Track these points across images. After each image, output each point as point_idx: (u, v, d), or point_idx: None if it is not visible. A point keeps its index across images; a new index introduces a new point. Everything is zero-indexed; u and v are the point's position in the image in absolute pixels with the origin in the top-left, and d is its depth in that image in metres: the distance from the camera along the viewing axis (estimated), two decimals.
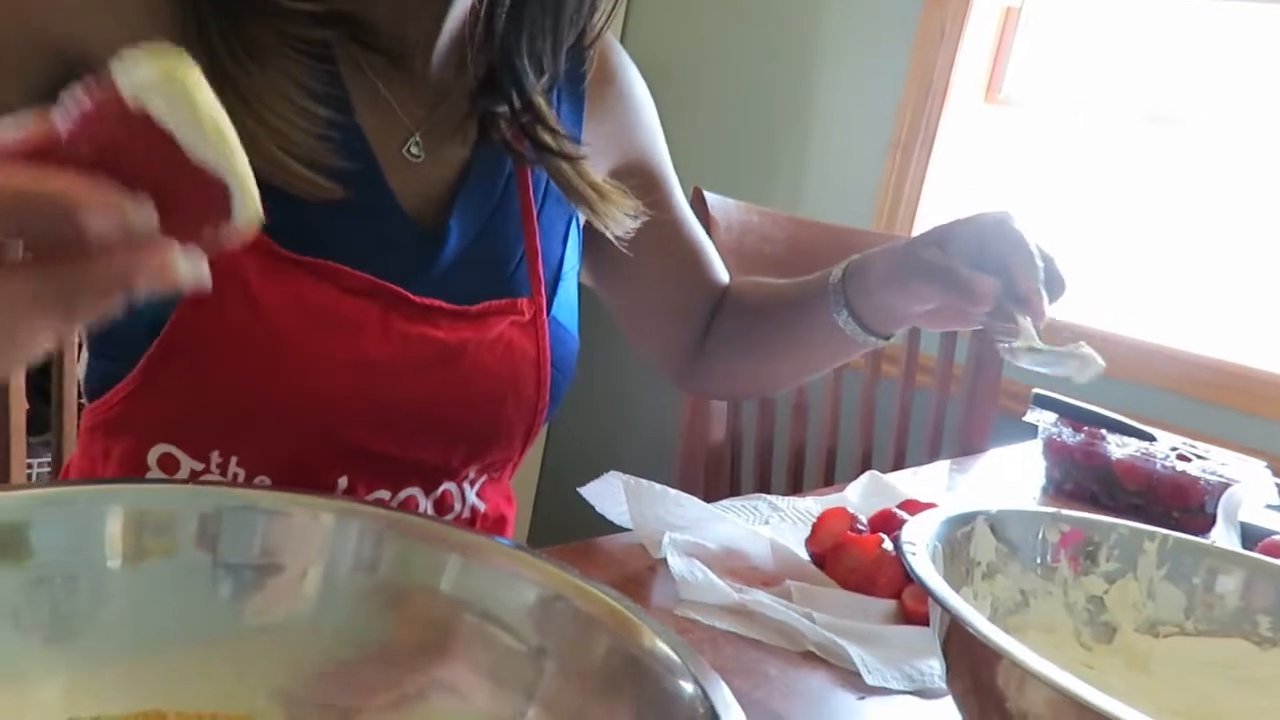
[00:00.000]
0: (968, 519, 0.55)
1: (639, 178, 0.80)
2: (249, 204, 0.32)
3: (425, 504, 0.70)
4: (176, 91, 0.31)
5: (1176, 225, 1.71)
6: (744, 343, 0.86)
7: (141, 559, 0.37)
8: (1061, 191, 1.84)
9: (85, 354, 0.68)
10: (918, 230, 1.87)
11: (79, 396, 0.71)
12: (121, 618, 0.35)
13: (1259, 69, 1.65)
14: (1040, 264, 0.66)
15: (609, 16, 0.72)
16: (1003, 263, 0.65)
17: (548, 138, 0.70)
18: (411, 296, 0.63)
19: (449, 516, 0.71)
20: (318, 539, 0.40)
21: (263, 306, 0.58)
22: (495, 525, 0.76)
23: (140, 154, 0.31)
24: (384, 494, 0.67)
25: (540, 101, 0.70)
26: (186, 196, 0.31)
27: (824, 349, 0.78)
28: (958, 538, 0.54)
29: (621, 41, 2.28)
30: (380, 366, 0.62)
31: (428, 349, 0.64)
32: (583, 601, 0.37)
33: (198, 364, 0.59)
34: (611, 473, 0.74)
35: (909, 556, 0.46)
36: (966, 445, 1.32)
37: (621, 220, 0.74)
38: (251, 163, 0.51)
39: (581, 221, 0.76)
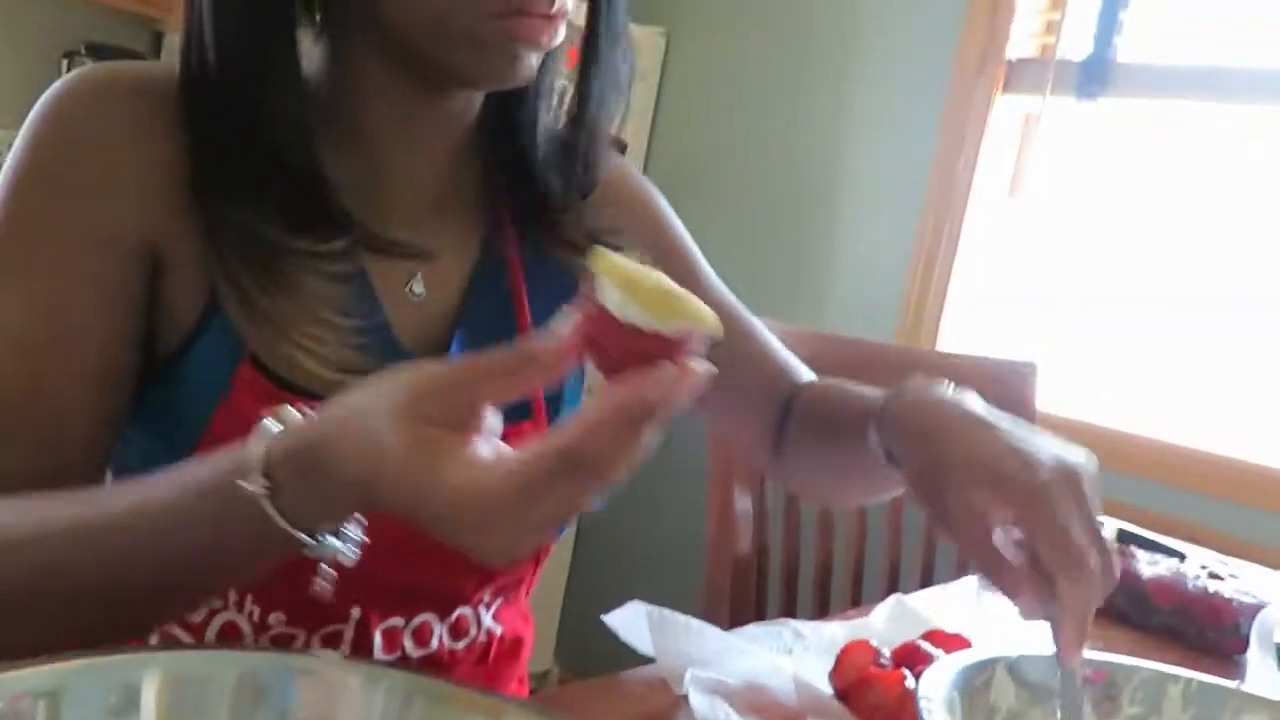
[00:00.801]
0: (986, 666, 0.55)
1: (658, 263, 0.80)
2: (707, 327, 0.42)
3: (440, 629, 0.70)
4: (620, 288, 0.40)
5: (1200, 323, 1.72)
6: (804, 450, 0.80)
7: None
8: (1086, 289, 1.85)
9: None
10: (943, 340, 1.88)
11: None
12: None
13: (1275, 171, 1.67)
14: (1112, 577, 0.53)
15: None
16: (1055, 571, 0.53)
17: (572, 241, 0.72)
18: None
19: (465, 641, 0.72)
20: (346, 703, 0.41)
21: None
22: (512, 647, 0.76)
23: (621, 343, 0.41)
24: (398, 621, 0.68)
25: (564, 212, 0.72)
26: (667, 349, 0.41)
27: (869, 478, 0.71)
28: (976, 685, 0.54)
29: (645, 154, 2.34)
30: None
31: None
32: None
33: None
34: (635, 602, 0.75)
35: (925, 715, 0.47)
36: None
37: None
38: (291, 380, 0.54)
39: None
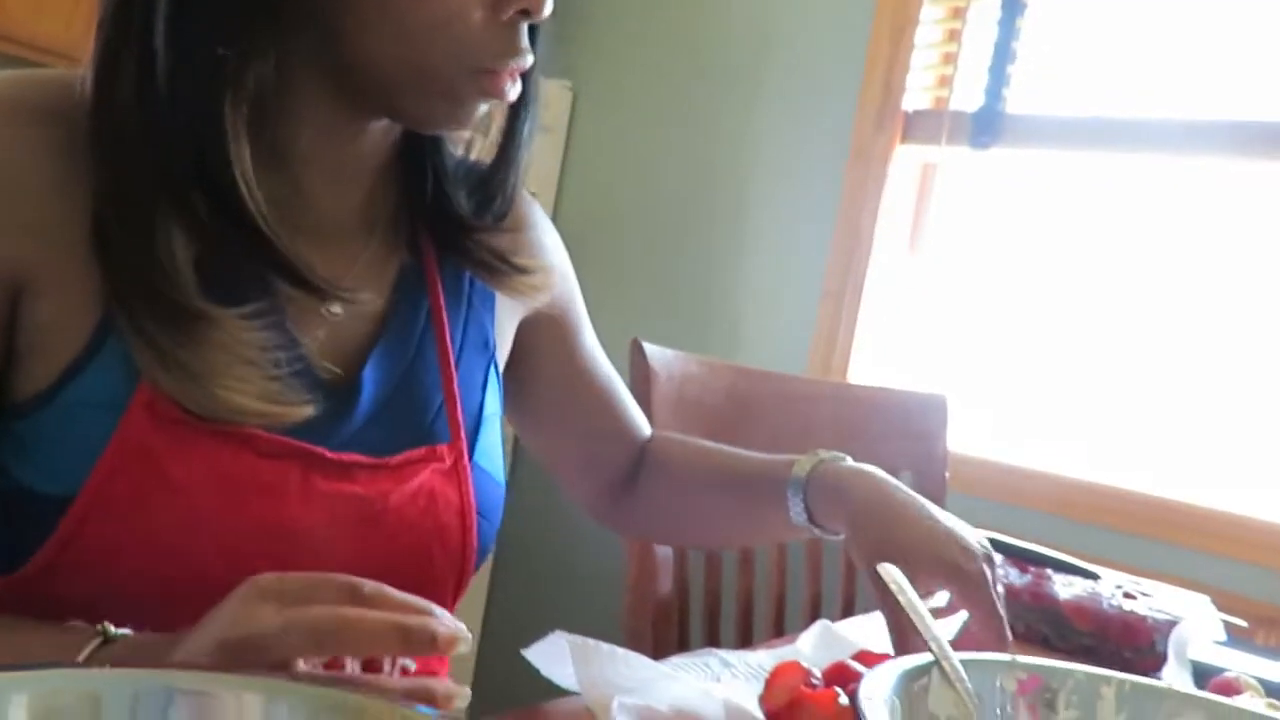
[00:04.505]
0: (923, 670, 0.54)
1: (548, 326, 0.83)
2: None
3: (352, 666, 0.67)
4: None
5: (1104, 364, 1.78)
6: (679, 506, 0.89)
7: None
8: (986, 334, 1.91)
9: None
10: (852, 374, 1.91)
11: None
12: None
13: (1164, 217, 1.76)
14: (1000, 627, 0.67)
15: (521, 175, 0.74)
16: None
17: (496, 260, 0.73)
18: (329, 454, 0.62)
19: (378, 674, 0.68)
20: None
21: (174, 479, 0.57)
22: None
23: None
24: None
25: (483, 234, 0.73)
26: None
27: (770, 531, 0.82)
28: (915, 691, 0.53)
29: (556, 197, 2.35)
30: (303, 532, 0.60)
31: (350, 508, 0.63)
32: None
33: (111, 540, 0.57)
34: (557, 632, 0.71)
35: (866, 715, 0.45)
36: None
37: (539, 291, 0.77)
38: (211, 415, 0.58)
39: (501, 368, 0.77)
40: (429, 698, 0.46)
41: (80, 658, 0.50)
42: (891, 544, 0.69)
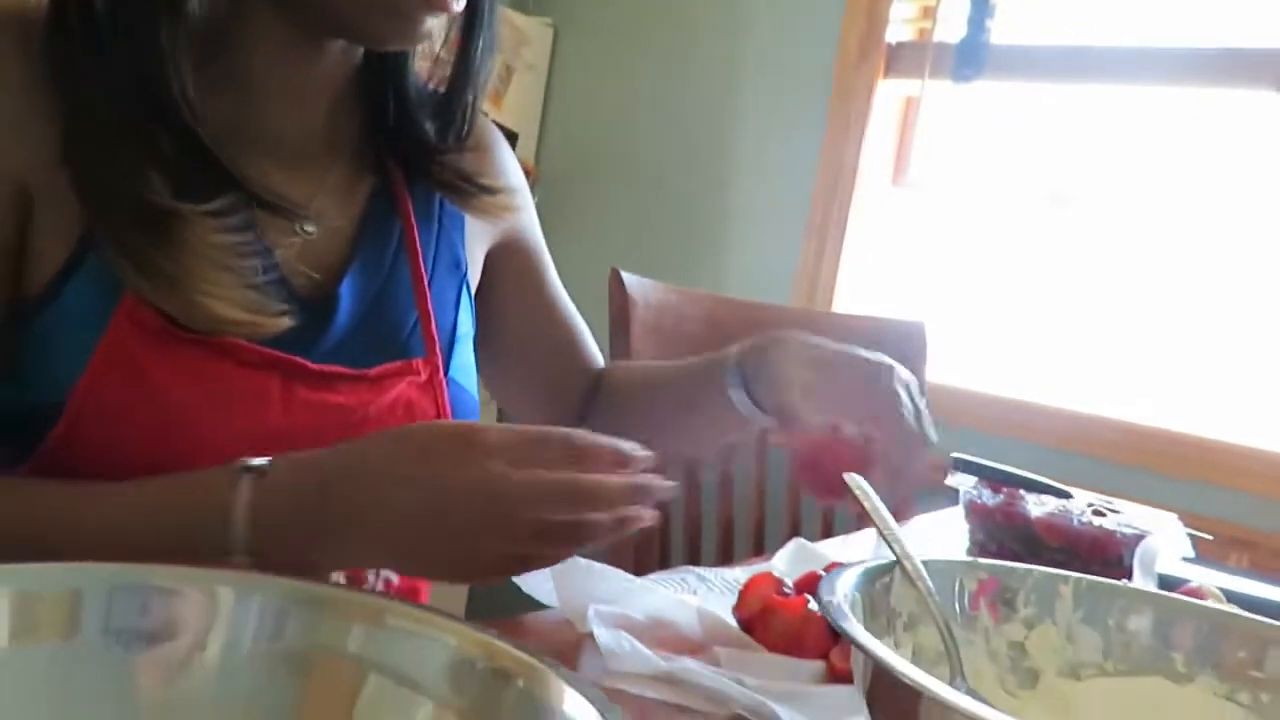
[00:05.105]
0: (886, 570, 0.55)
1: (515, 256, 0.84)
2: None
3: (336, 576, 0.69)
4: None
5: (1078, 296, 1.79)
6: (628, 421, 0.89)
7: (29, 640, 0.35)
8: (968, 267, 1.91)
9: None
10: (836, 307, 1.92)
11: None
12: (11, 700, 0.34)
13: (1146, 149, 1.76)
14: (909, 425, 0.72)
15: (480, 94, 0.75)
16: (867, 417, 0.72)
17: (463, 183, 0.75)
18: (310, 365, 0.64)
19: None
20: (217, 613, 0.38)
21: (158, 386, 0.58)
22: (408, 596, 0.75)
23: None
24: None
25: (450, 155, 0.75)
26: None
27: (715, 424, 0.82)
28: (877, 590, 0.54)
29: (540, 130, 2.33)
30: (285, 437, 0.61)
31: (331, 417, 0.64)
32: (496, 659, 0.37)
33: (100, 448, 0.59)
34: None
35: (827, 605, 0.46)
36: (892, 514, 1.33)
37: (507, 211, 0.79)
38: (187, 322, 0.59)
39: (473, 290, 0.79)
40: (648, 492, 0.54)
41: (241, 496, 0.52)
42: (809, 362, 0.73)
